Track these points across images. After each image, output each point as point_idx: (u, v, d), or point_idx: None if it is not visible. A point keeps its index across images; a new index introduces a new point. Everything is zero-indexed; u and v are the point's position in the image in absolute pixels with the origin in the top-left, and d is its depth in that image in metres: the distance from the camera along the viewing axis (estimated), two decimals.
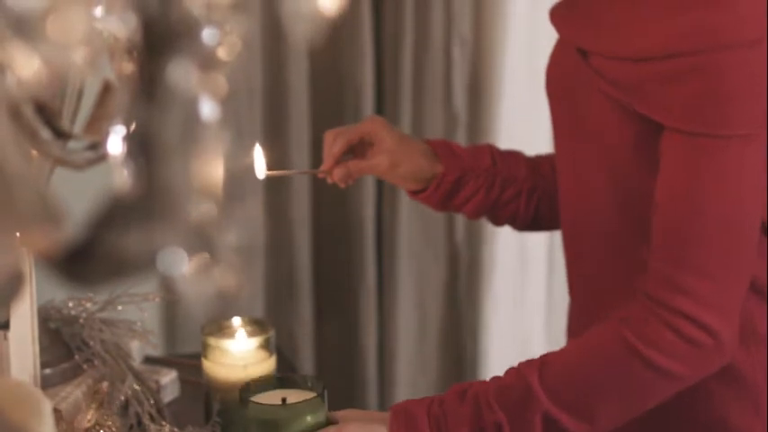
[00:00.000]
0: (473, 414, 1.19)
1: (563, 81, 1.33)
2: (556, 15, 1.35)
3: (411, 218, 2.33)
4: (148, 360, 1.51)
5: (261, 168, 1.37)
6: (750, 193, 1.17)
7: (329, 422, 1.20)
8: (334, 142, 1.37)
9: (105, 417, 1.26)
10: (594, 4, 1.26)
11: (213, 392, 1.32)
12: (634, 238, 1.26)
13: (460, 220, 2.37)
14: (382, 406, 2.39)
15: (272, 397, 1.21)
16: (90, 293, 1.40)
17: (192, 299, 0.57)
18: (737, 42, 1.13)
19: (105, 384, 1.29)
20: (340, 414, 1.22)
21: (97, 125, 0.92)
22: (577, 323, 1.38)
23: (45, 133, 0.78)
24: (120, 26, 0.56)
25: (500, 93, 2.32)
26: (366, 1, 2.23)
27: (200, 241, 0.56)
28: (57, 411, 1.24)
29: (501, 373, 1.23)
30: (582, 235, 1.34)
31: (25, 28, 0.53)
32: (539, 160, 1.49)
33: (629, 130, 1.22)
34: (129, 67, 0.57)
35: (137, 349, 1.45)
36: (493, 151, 1.46)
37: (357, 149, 1.38)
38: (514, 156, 1.48)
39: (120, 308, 1.41)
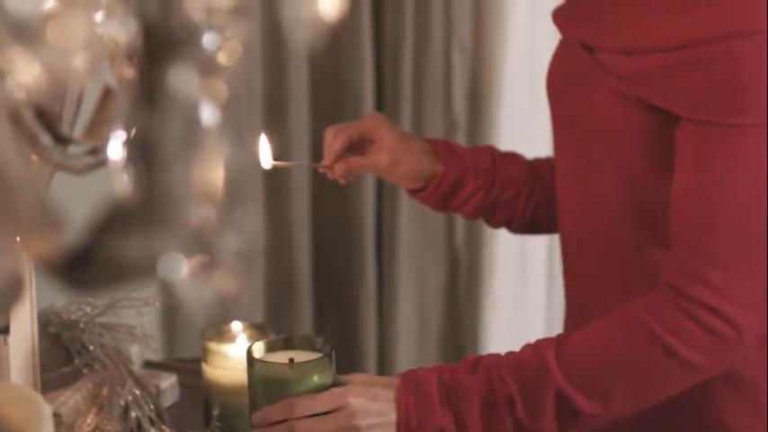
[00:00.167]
0: (485, 386, 1.17)
1: (566, 81, 1.32)
2: (558, 16, 1.35)
3: (411, 219, 2.33)
4: (148, 364, 1.51)
5: (267, 158, 1.37)
6: (765, 183, 1.16)
7: (336, 384, 1.19)
8: (334, 138, 1.37)
9: (105, 421, 1.26)
10: (601, 0, 1.26)
11: (213, 397, 1.32)
12: (642, 236, 1.26)
13: (460, 221, 2.37)
14: None
15: (279, 358, 1.21)
16: (90, 298, 1.40)
17: (192, 303, 0.57)
18: (751, 31, 1.13)
19: (105, 389, 1.29)
20: (347, 377, 1.21)
21: (97, 130, 0.92)
22: (575, 326, 1.38)
23: (45, 138, 0.78)
24: (121, 31, 0.56)
25: (500, 98, 2.33)
26: (366, 7, 2.23)
27: (201, 246, 0.56)
28: (56, 416, 1.24)
29: None
30: (584, 236, 1.33)
31: (26, 33, 0.53)
32: (537, 163, 1.49)
33: (640, 125, 1.21)
34: (129, 72, 0.57)
35: (137, 353, 1.45)
36: (493, 152, 1.46)
37: (357, 147, 1.38)
38: (514, 157, 1.48)
39: (120, 312, 1.41)
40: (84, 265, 0.55)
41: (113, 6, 0.57)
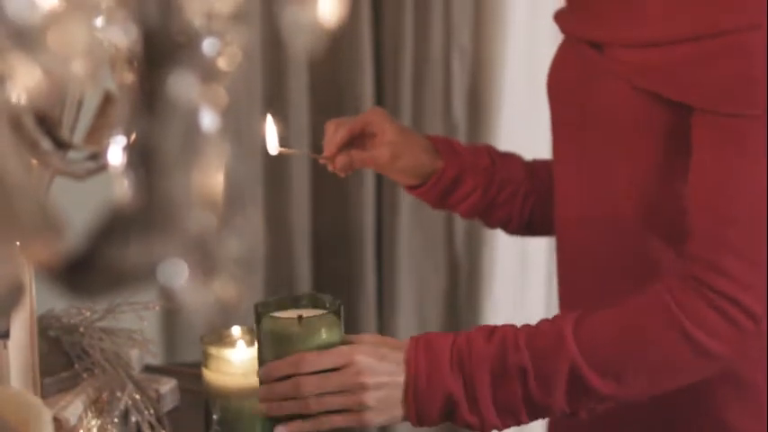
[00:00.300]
0: (498, 354, 1.16)
1: (570, 82, 1.32)
2: (561, 18, 1.35)
3: (411, 225, 2.33)
4: (148, 369, 1.51)
5: (273, 144, 1.37)
6: None
7: (344, 343, 1.18)
8: (336, 130, 1.37)
9: (105, 426, 1.26)
10: None
11: (213, 401, 1.32)
12: (653, 240, 1.25)
13: (460, 227, 2.37)
14: None
15: (288, 314, 1.20)
16: (90, 303, 1.40)
17: (191, 308, 0.57)
18: (760, 24, 1.12)
19: (105, 393, 1.29)
20: (356, 336, 1.20)
21: (98, 135, 0.93)
22: None
23: (45, 143, 0.79)
24: (121, 36, 0.56)
25: (500, 103, 2.33)
26: (366, 12, 2.24)
27: (201, 252, 0.56)
28: (56, 420, 1.24)
29: None
30: (587, 239, 1.33)
31: (26, 38, 0.53)
32: (535, 164, 1.49)
33: (654, 120, 1.20)
34: (129, 77, 0.57)
35: (136, 358, 1.45)
36: (491, 151, 1.46)
37: (358, 141, 1.38)
38: (512, 157, 1.48)
39: (119, 316, 1.41)
40: (84, 271, 0.55)
41: (114, 12, 0.57)
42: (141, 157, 0.55)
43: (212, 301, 0.58)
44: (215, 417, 1.32)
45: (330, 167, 1.39)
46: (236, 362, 1.32)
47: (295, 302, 1.24)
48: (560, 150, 1.36)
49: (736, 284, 1.14)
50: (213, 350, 1.33)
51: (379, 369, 1.16)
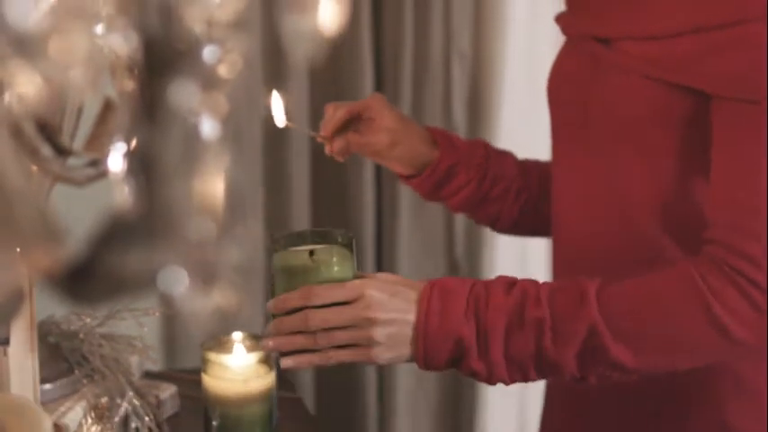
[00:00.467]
0: (516, 305, 1.13)
1: (573, 81, 1.31)
2: (563, 19, 1.35)
3: (411, 228, 2.34)
4: (148, 375, 1.51)
5: (280, 117, 1.37)
6: None
7: (357, 278, 1.17)
8: (335, 111, 1.37)
9: None
10: None
11: (213, 407, 1.32)
12: (663, 237, 1.25)
13: (460, 229, 2.37)
14: (381, 417, 2.38)
15: (300, 249, 1.19)
16: (90, 310, 1.40)
17: (191, 314, 0.57)
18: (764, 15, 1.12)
19: (105, 399, 1.29)
20: (370, 273, 1.18)
21: (98, 142, 0.93)
22: None
23: (45, 150, 0.79)
24: (122, 44, 0.56)
25: (500, 107, 2.33)
26: (366, 18, 2.24)
27: (201, 258, 0.56)
28: (56, 426, 1.24)
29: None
30: (587, 238, 1.33)
31: (27, 46, 0.53)
32: (527, 164, 1.50)
33: (671, 110, 1.20)
34: (130, 84, 0.57)
35: (136, 364, 1.45)
36: (487, 147, 1.47)
37: (356, 126, 1.38)
38: (506, 155, 1.49)
39: (119, 323, 1.41)
40: (85, 278, 0.55)
41: (114, 19, 0.57)
42: (141, 164, 0.55)
43: (212, 308, 0.58)
44: (215, 423, 1.32)
45: (327, 150, 1.39)
46: (236, 368, 1.32)
47: (310, 237, 1.21)
48: (561, 152, 1.36)
49: (758, 269, 1.12)
50: (213, 356, 1.33)
51: (390, 305, 1.14)
